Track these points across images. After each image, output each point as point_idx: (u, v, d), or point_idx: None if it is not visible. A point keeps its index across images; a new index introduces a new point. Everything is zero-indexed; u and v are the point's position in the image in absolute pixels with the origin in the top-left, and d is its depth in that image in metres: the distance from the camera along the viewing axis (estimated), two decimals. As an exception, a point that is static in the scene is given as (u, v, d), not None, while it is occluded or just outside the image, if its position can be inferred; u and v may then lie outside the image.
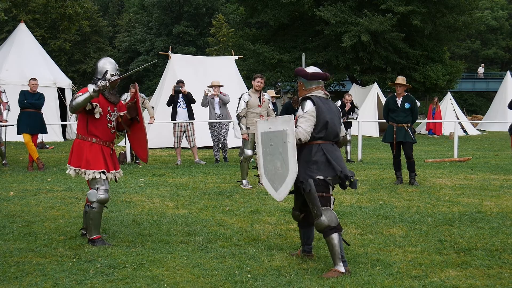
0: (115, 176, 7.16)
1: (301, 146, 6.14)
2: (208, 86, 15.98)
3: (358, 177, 12.88)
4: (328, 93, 6.40)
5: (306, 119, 6.07)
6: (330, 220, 5.93)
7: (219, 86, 15.83)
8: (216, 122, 15.98)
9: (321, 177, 6.02)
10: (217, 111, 15.91)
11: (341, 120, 6.49)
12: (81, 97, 6.66)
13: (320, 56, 35.20)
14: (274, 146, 6.15)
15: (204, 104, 15.84)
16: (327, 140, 6.18)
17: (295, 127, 6.01)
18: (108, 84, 6.85)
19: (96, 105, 6.87)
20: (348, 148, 16.44)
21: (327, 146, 6.17)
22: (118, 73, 7.13)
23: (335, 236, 5.90)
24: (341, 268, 5.84)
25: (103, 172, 6.94)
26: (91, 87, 6.66)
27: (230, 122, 16.14)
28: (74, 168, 6.96)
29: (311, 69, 6.39)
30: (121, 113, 7.31)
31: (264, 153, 6.29)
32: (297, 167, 5.91)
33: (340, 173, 6.06)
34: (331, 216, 5.95)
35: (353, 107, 16.36)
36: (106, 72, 7.03)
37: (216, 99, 15.84)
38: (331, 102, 6.38)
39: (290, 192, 6.22)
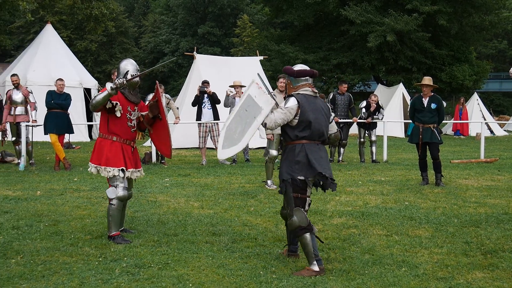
0: (134, 175, 7.27)
1: (287, 145, 6.20)
2: (229, 86, 15.98)
3: (384, 177, 12.83)
4: (316, 91, 6.39)
5: (282, 112, 6.08)
6: (300, 220, 5.99)
7: (241, 86, 15.82)
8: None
9: (301, 178, 6.07)
10: (237, 111, 15.87)
11: (331, 118, 6.47)
12: (100, 95, 6.84)
13: (345, 56, 35.09)
14: (247, 113, 6.26)
15: (226, 105, 15.84)
16: (312, 140, 6.16)
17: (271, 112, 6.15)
18: (125, 82, 6.95)
19: (116, 103, 6.99)
20: (374, 148, 16.36)
21: (311, 146, 6.15)
22: (139, 74, 7.22)
23: (306, 236, 5.95)
24: (315, 267, 5.87)
25: (122, 170, 7.05)
26: (108, 85, 6.80)
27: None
28: (94, 165, 7.09)
29: (298, 67, 6.42)
30: (143, 113, 7.39)
31: (238, 112, 6.38)
32: (246, 144, 6.16)
33: (318, 174, 6.08)
34: (301, 216, 6.02)
35: (379, 108, 16.28)
36: (127, 73, 7.12)
37: (237, 99, 15.84)
38: (319, 100, 6.36)
39: (279, 192, 6.30)
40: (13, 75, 15.20)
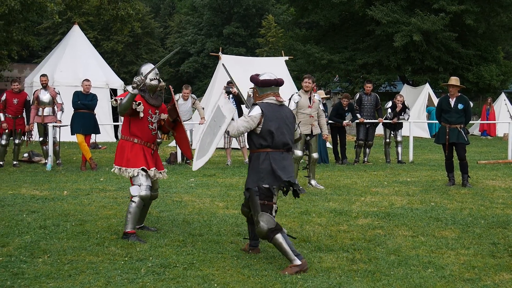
0: (157, 175, 7.41)
1: (252, 153, 6.37)
2: (250, 88, 15.97)
3: (409, 178, 12.76)
4: (282, 99, 6.51)
5: (246, 121, 6.30)
6: (268, 222, 6.08)
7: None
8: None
9: (266, 186, 6.20)
10: (257, 111, 15.87)
11: (296, 125, 6.66)
12: (124, 99, 7.04)
13: (371, 56, 34.90)
14: (215, 123, 6.48)
15: (248, 106, 15.83)
16: (276, 149, 6.29)
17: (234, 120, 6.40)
18: (143, 78, 7.09)
19: (140, 102, 7.14)
20: (399, 149, 16.28)
21: (275, 154, 6.28)
22: (158, 78, 7.37)
23: (278, 236, 6.03)
24: (296, 261, 5.93)
25: (144, 170, 7.18)
26: (129, 87, 7.01)
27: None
28: (118, 167, 7.27)
29: (264, 76, 6.54)
30: (163, 116, 7.54)
31: (209, 124, 6.67)
32: (212, 153, 6.32)
33: (284, 183, 6.23)
34: (268, 219, 6.11)
35: (404, 108, 16.19)
36: (145, 76, 7.24)
37: (257, 100, 15.82)
38: (284, 109, 6.52)
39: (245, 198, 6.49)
40: (43, 75, 15.33)
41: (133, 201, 7.17)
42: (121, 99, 7.11)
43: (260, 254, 6.54)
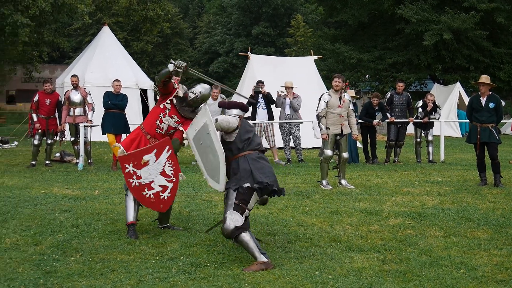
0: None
1: (229, 161, 6.49)
2: (281, 87, 16.01)
3: (441, 178, 12.66)
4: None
5: (232, 118, 6.59)
6: (235, 221, 6.12)
7: (292, 87, 15.83)
8: (287, 123, 15.95)
9: (248, 185, 6.32)
10: (287, 111, 15.90)
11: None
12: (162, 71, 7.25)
13: (400, 55, 34.72)
14: (203, 144, 6.53)
15: (277, 105, 15.89)
16: (252, 150, 6.55)
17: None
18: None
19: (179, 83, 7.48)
20: (430, 149, 16.17)
21: (252, 155, 6.52)
22: (198, 95, 7.47)
23: (245, 235, 6.09)
24: (262, 258, 6.00)
25: None
26: (170, 66, 7.16)
27: (301, 122, 16.13)
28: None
29: (231, 103, 6.94)
30: (179, 126, 7.57)
31: (200, 156, 6.69)
32: (222, 148, 6.35)
33: (258, 183, 6.32)
34: (236, 218, 6.15)
35: (435, 107, 16.07)
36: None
37: (288, 99, 15.84)
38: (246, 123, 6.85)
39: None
40: (73, 76, 15.47)
41: (126, 195, 7.44)
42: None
43: (290, 254, 6.53)
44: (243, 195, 6.28)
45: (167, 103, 7.42)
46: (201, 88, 7.46)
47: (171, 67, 7.10)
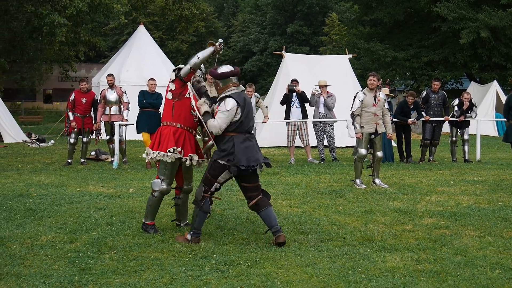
0: (194, 161, 7.44)
1: (218, 136, 6.88)
2: (315, 85, 15.96)
3: (476, 177, 12.52)
4: (242, 88, 7.06)
5: (225, 116, 6.72)
6: (197, 194, 6.96)
7: (326, 86, 15.78)
8: (321, 122, 15.90)
9: (222, 162, 6.79)
10: (321, 110, 15.83)
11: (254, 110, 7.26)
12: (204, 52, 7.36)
13: (436, 53, 34.39)
14: None
15: (312, 104, 15.84)
16: (240, 132, 6.83)
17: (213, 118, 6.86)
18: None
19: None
20: (466, 147, 15.99)
21: (238, 138, 6.80)
22: (202, 78, 7.74)
23: (195, 210, 6.91)
24: (188, 236, 6.82)
25: (173, 151, 7.25)
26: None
27: (335, 121, 16.07)
28: (154, 151, 7.46)
29: (222, 69, 6.96)
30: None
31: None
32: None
33: (231, 162, 6.74)
34: (199, 192, 6.94)
35: (472, 106, 15.89)
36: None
37: (322, 98, 15.78)
38: (245, 95, 7.04)
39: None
40: (109, 75, 15.59)
41: (154, 195, 7.49)
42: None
43: (323, 253, 6.51)
44: (214, 170, 6.85)
45: (189, 92, 7.43)
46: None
47: (211, 49, 7.34)
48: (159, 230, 7.53)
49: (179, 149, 7.25)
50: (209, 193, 6.92)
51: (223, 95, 6.90)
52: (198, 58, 7.23)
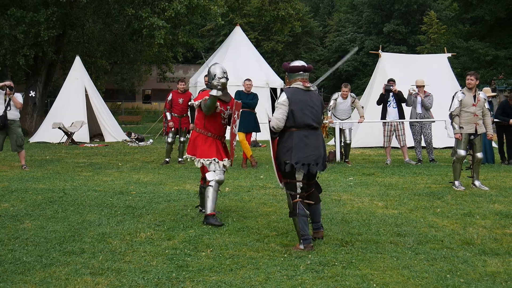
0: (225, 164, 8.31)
1: (280, 133, 6.93)
2: (412, 85, 15.68)
3: None
4: (309, 85, 6.95)
5: (279, 110, 6.80)
6: (288, 205, 6.88)
7: (423, 85, 15.47)
8: (418, 122, 15.58)
9: (288, 162, 6.73)
10: (418, 110, 15.52)
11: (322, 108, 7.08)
12: (209, 101, 7.96)
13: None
14: None
15: (409, 104, 15.57)
16: (298, 128, 6.78)
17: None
18: (224, 81, 8.01)
19: (218, 104, 8.13)
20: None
21: (298, 133, 6.78)
22: (226, 76, 8.15)
23: (294, 220, 6.77)
24: (301, 246, 6.61)
25: (215, 160, 8.11)
26: (214, 91, 7.87)
27: (433, 121, 15.72)
28: (190, 156, 8.30)
29: (293, 63, 7.05)
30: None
31: None
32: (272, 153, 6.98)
33: (288, 161, 6.71)
34: (288, 202, 6.86)
35: None
36: (215, 76, 8.07)
37: (419, 98, 15.48)
38: (310, 94, 6.94)
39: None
40: (206, 75, 15.81)
41: (210, 185, 8.00)
42: (201, 101, 8.15)
43: (420, 256, 6.38)
44: (285, 171, 6.81)
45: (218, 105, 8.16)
46: (213, 71, 8.17)
47: (214, 92, 7.88)
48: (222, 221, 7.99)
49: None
50: (298, 196, 6.81)
51: (282, 87, 7.09)
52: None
